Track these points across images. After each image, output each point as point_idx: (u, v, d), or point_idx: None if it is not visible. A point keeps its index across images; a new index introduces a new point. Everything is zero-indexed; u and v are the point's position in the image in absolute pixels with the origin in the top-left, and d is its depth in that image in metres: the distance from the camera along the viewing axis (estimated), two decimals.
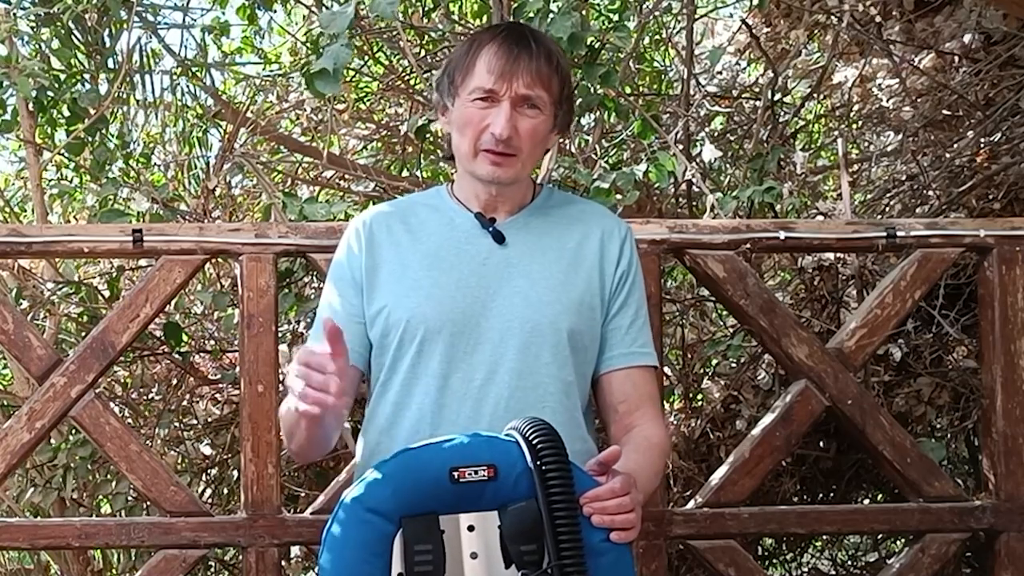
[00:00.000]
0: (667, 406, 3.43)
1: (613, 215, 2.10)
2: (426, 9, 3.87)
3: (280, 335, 2.78)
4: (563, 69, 1.94)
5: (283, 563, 2.72)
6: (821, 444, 3.53)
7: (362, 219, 2.02)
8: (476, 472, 1.65)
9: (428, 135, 3.41)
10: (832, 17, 3.73)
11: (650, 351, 1.99)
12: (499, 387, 1.87)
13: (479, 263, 1.92)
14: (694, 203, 3.71)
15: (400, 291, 1.92)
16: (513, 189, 1.96)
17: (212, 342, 3.58)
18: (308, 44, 3.71)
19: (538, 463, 1.64)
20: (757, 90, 4.01)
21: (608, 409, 1.98)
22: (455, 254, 1.93)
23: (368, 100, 4.41)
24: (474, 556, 1.65)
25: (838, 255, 3.26)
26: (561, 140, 3.30)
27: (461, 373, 1.88)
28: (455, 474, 1.65)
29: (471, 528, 1.66)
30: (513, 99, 1.87)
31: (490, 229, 1.95)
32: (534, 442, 1.65)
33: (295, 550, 3.40)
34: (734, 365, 3.52)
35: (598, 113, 3.60)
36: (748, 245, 2.60)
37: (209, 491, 3.71)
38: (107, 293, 3.58)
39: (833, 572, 4.10)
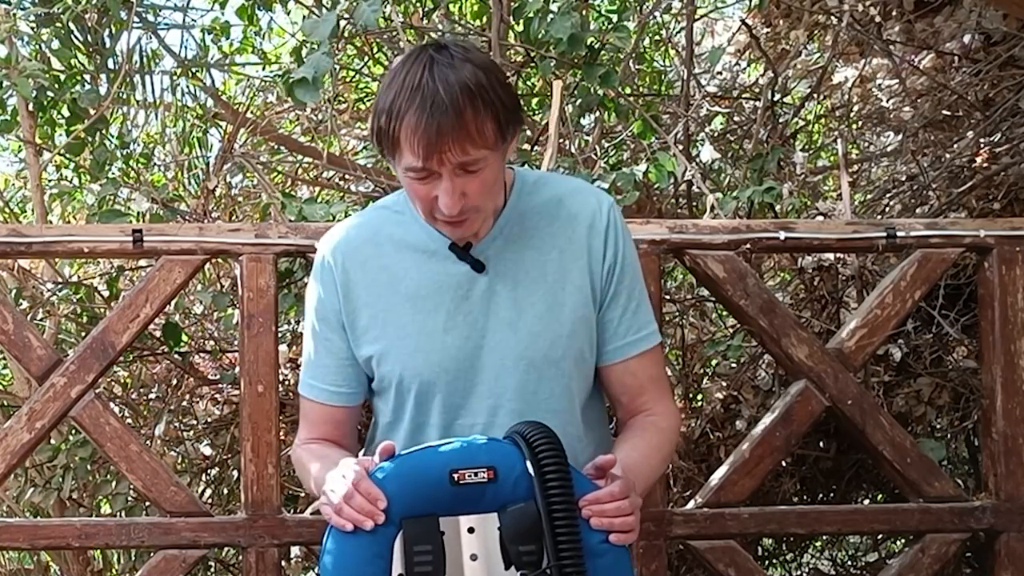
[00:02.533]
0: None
1: (593, 196, 1.92)
2: (426, 9, 3.87)
3: (280, 335, 2.78)
4: (493, 95, 1.71)
5: (283, 563, 2.72)
6: (821, 444, 3.52)
7: (329, 253, 1.90)
8: (476, 474, 1.65)
9: None
10: (832, 17, 3.73)
11: (648, 332, 1.92)
12: (501, 430, 1.80)
13: (462, 297, 1.84)
14: (694, 203, 3.71)
15: (386, 340, 1.86)
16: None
17: (212, 342, 3.58)
18: (292, 52, 3.72)
19: (537, 465, 1.64)
20: (757, 90, 4.00)
21: (613, 400, 1.97)
22: (435, 291, 1.84)
23: (368, 100, 4.41)
24: (474, 558, 1.66)
25: (838, 255, 3.26)
26: (561, 140, 3.30)
27: (462, 419, 1.86)
28: (455, 476, 1.65)
29: (471, 530, 1.66)
30: (451, 170, 1.71)
31: (468, 260, 1.85)
32: (533, 444, 1.65)
33: (295, 550, 3.40)
34: (734, 365, 3.52)
35: (598, 113, 3.60)
36: (748, 245, 2.60)
37: (209, 491, 3.71)
38: (107, 293, 3.58)
39: (833, 572, 4.10)
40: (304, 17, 3.79)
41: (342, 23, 3.13)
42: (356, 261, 1.89)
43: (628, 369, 1.92)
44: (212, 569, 3.77)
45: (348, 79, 4.30)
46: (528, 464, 1.65)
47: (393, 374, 1.86)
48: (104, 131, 3.58)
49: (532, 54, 3.27)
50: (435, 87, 1.69)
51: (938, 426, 3.53)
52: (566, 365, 1.85)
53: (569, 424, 1.87)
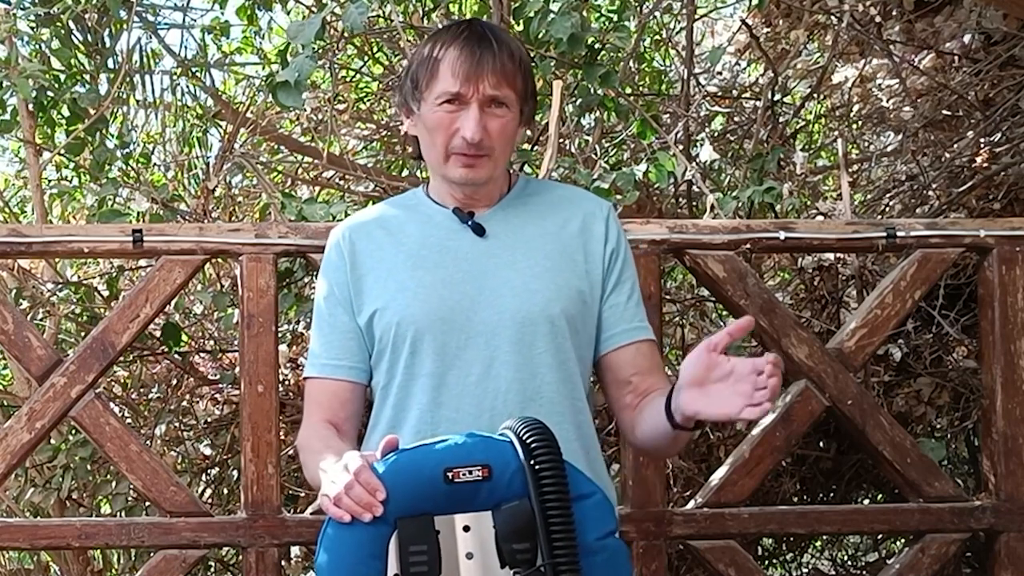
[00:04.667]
0: None
1: (592, 196, 2.09)
2: (426, 9, 3.87)
3: (280, 335, 2.78)
4: (525, 64, 1.93)
5: (283, 563, 2.72)
6: (821, 444, 3.53)
7: (341, 230, 2.01)
8: (470, 472, 1.65)
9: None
10: (832, 17, 3.73)
11: (648, 326, 2.00)
12: (497, 381, 1.88)
13: (462, 258, 1.92)
14: (694, 203, 3.71)
15: (387, 295, 1.92)
16: (487, 186, 1.96)
17: (212, 342, 3.58)
18: (277, 55, 3.72)
19: (531, 462, 1.64)
20: (757, 90, 4.01)
21: (620, 384, 1.97)
22: (438, 252, 1.93)
23: (368, 100, 4.41)
24: (470, 556, 1.65)
25: (838, 255, 3.26)
26: (561, 140, 3.30)
27: (456, 370, 1.89)
28: (449, 474, 1.64)
29: (466, 528, 1.66)
30: (481, 101, 1.87)
31: (469, 223, 1.94)
32: (528, 441, 1.65)
33: (295, 550, 3.40)
34: None
35: (598, 113, 3.60)
36: (748, 245, 2.60)
37: (209, 491, 3.71)
38: (107, 293, 3.58)
39: (833, 572, 4.10)
40: (303, 17, 3.79)
41: (334, 26, 3.12)
42: (363, 233, 1.99)
43: (640, 350, 1.97)
44: (212, 569, 3.77)
45: (348, 79, 4.30)
46: (523, 461, 1.65)
47: (391, 325, 1.91)
48: (104, 131, 3.58)
49: (532, 54, 3.27)
50: (481, 29, 1.91)
51: (938, 426, 3.53)
52: (562, 325, 1.90)
53: (565, 383, 1.90)
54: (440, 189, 1.98)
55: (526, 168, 3.35)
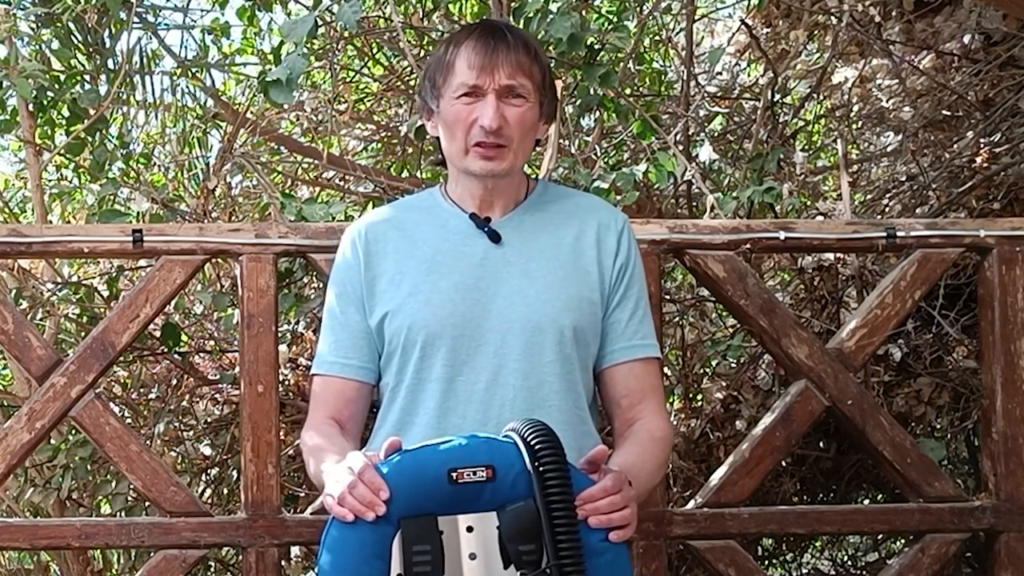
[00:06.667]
0: (667, 406, 3.42)
1: (609, 206, 2.09)
2: (426, 10, 3.87)
3: (280, 335, 2.78)
4: (541, 59, 1.95)
5: (283, 563, 2.72)
6: (821, 444, 3.53)
7: (357, 229, 2.02)
8: (474, 473, 1.65)
9: (428, 135, 3.40)
10: (832, 17, 3.73)
11: (651, 342, 1.99)
12: (504, 389, 1.88)
13: (476, 264, 1.92)
14: (694, 203, 3.71)
15: (399, 298, 1.93)
16: (507, 183, 1.96)
17: (212, 342, 3.58)
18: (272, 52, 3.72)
19: (536, 464, 1.64)
20: (757, 90, 4.00)
21: (611, 403, 1.98)
22: (452, 257, 1.93)
23: (368, 101, 4.41)
24: (473, 557, 1.66)
25: (838, 255, 3.26)
26: (561, 140, 3.30)
27: (465, 376, 1.89)
28: (453, 475, 1.65)
29: (470, 529, 1.66)
30: (497, 91, 1.88)
31: (485, 229, 1.95)
32: (532, 443, 1.65)
33: (295, 550, 3.40)
34: (734, 365, 3.52)
35: (598, 113, 3.60)
36: (748, 245, 2.60)
37: (209, 491, 3.71)
38: (107, 293, 3.58)
39: (833, 572, 4.10)
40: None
41: (334, 27, 3.12)
42: (379, 233, 1.99)
43: (633, 371, 1.97)
44: (212, 569, 3.77)
45: (348, 80, 4.30)
46: (527, 462, 1.65)
47: (402, 328, 1.91)
48: (104, 131, 3.58)
49: None
50: (496, 25, 1.95)
51: (938, 426, 3.53)
52: (570, 336, 1.90)
53: (572, 393, 1.91)
54: (459, 190, 1.99)
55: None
